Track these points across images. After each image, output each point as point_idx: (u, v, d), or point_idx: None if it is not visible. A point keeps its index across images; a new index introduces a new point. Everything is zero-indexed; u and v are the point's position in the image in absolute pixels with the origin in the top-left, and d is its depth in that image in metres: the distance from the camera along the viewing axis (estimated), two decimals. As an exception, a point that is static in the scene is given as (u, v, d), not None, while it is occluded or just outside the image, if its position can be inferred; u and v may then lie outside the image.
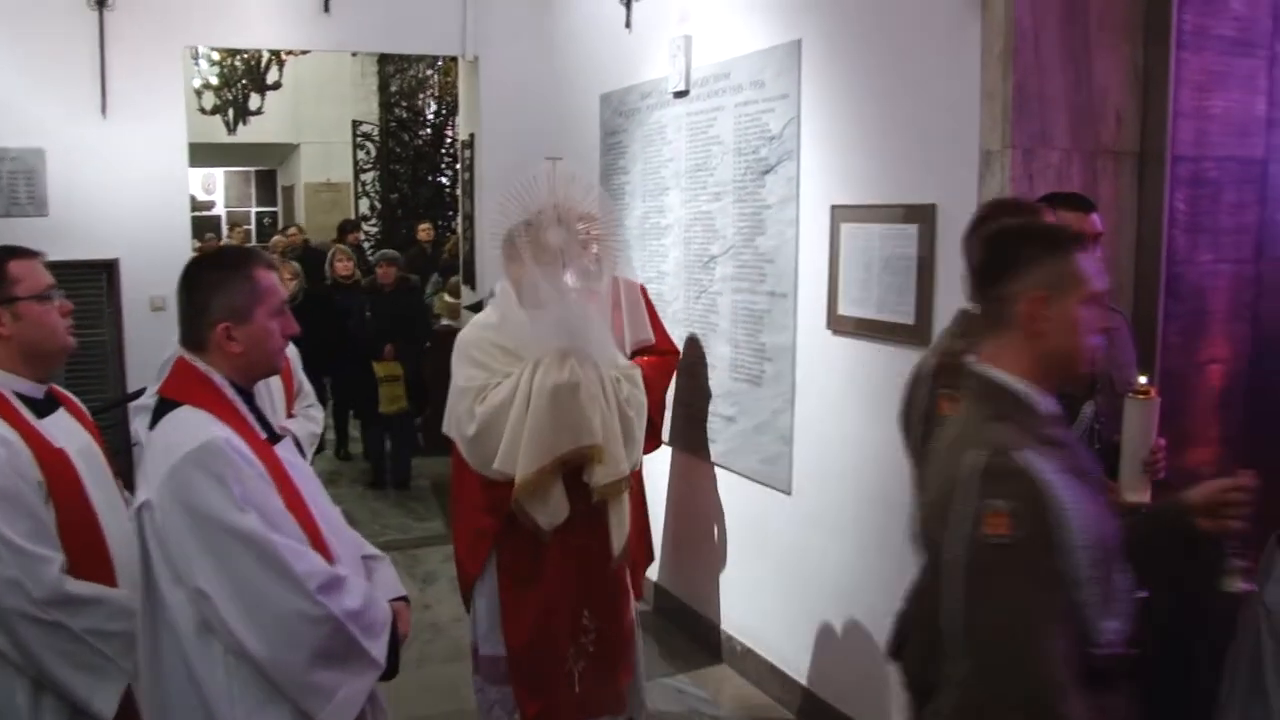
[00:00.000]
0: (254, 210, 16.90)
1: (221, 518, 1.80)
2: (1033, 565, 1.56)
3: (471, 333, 3.24)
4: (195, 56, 9.97)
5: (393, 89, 11.73)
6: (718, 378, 4.29)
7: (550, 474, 3.04)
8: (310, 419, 3.74)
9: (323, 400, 6.12)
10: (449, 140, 11.19)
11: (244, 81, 10.57)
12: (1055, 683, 1.54)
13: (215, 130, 10.91)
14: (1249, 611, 2.15)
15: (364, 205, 12.19)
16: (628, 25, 4.87)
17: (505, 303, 3.19)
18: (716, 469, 4.35)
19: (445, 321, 7.63)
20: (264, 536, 1.81)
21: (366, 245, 11.10)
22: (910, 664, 2.14)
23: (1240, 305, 3.09)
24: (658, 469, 4.64)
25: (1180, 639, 2.28)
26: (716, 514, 4.36)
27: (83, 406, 2.46)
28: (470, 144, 6.32)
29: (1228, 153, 3.01)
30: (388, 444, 7.06)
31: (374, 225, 11.87)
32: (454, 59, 7.29)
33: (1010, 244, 1.78)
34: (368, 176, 12.07)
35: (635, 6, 4.82)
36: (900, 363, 3.22)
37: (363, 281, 7.35)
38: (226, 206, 16.74)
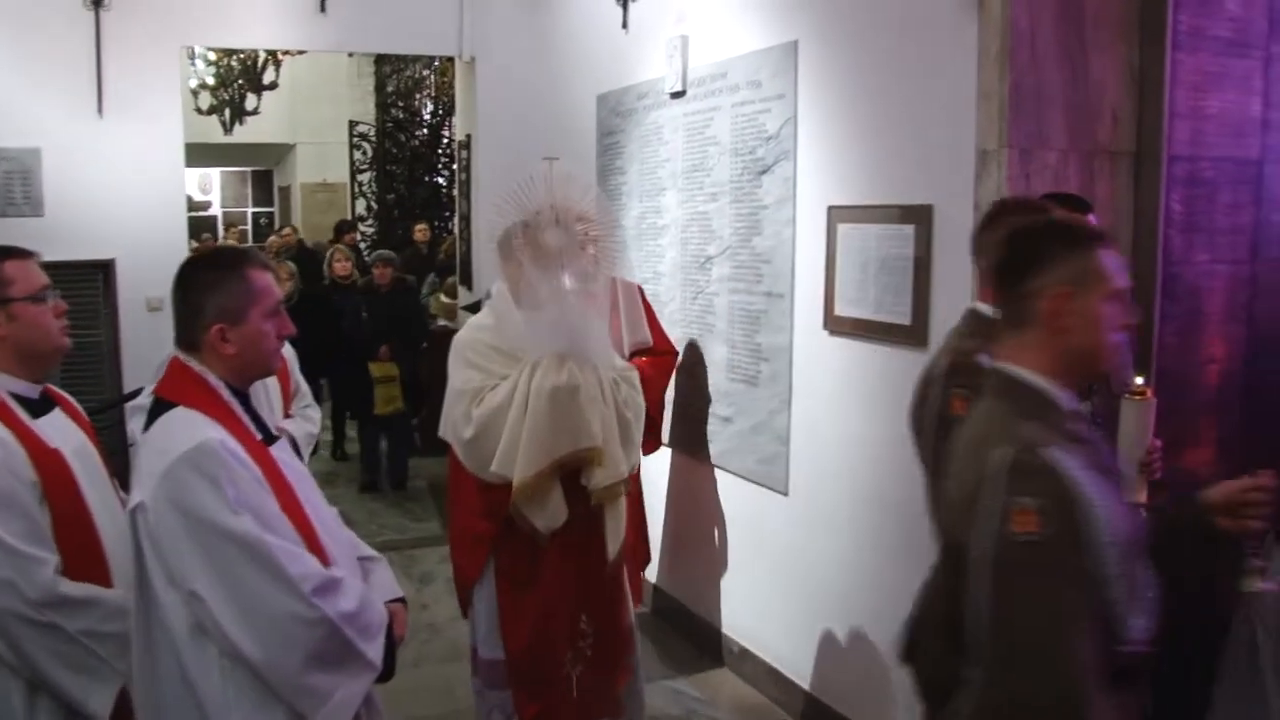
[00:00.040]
0: (250, 210, 16.90)
1: (215, 520, 1.79)
2: (1062, 563, 1.54)
3: (467, 334, 3.22)
4: (192, 56, 9.95)
5: (389, 89, 11.70)
6: (714, 378, 4.29)
7: (549, 477, 3.01)
8: (307, 419, 3.73)
9: (319, 401, 6.10)
10: (445, 141, 11.17)
11: (240, 82, 10.56)
12: (1084, 681, 1.52)
13: (212, 130, 10.89)
14: (1243, 609, 2.15)
15: (360, 205, 12.17)
16: (624, 25, 4.86)
17: (502, 304, 3.17)
18: (714, 470, 4.35)
19: (442, 322, 7.61)
20: (258, 538, 1.81)
21: (363, 246, 11.09)
22: (924, 666, 2.12)
23: (1236, 306, 3.09)
24: (656, 470, 4.64)
25: (1179, 638, 2.28)
26: (715, 515, 4.35)
27: (79, 407, 2.46)
28: (467, 144, 6.32)
29: (1223, 153, 3.02)
30: (384, 445, 7.05)
31: (370, 226, 11.85)
32: (450, 59, 7.30)
33: (1033, 240, 1.77)
34: (364, 177, 12.06)
35: (632, 7, 4.82)
36: (897, 363, 3.22)
37: (359, 282, 7.34)
38: (223, 207, 16.73)
